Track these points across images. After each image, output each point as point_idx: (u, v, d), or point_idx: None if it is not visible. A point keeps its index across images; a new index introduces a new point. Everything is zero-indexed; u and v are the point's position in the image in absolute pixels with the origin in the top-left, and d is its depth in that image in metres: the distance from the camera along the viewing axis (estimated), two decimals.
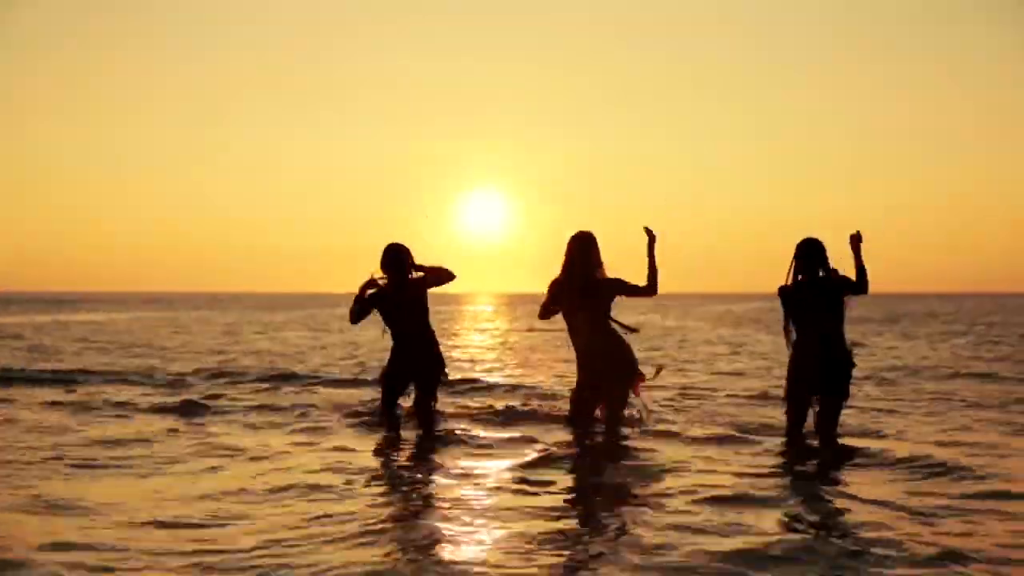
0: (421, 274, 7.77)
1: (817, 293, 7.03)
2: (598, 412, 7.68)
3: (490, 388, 11.69)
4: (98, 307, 60.87)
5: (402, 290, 7.74)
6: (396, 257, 7.72)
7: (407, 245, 7.85)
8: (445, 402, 9.19)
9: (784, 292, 7.11)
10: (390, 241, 7.88)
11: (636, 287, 7.33)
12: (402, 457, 7.04)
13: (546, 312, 7.51)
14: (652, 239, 7.27)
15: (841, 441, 7.26)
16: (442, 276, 7.77)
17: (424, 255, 7.82)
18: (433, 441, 7.53)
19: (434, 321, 8.14)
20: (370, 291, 7.81)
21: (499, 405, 9.60)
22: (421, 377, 7.86)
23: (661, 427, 8.07)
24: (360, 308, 7.79)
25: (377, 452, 7.20)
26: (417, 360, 7.82)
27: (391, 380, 7.98)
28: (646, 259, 7.34)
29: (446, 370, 8.02)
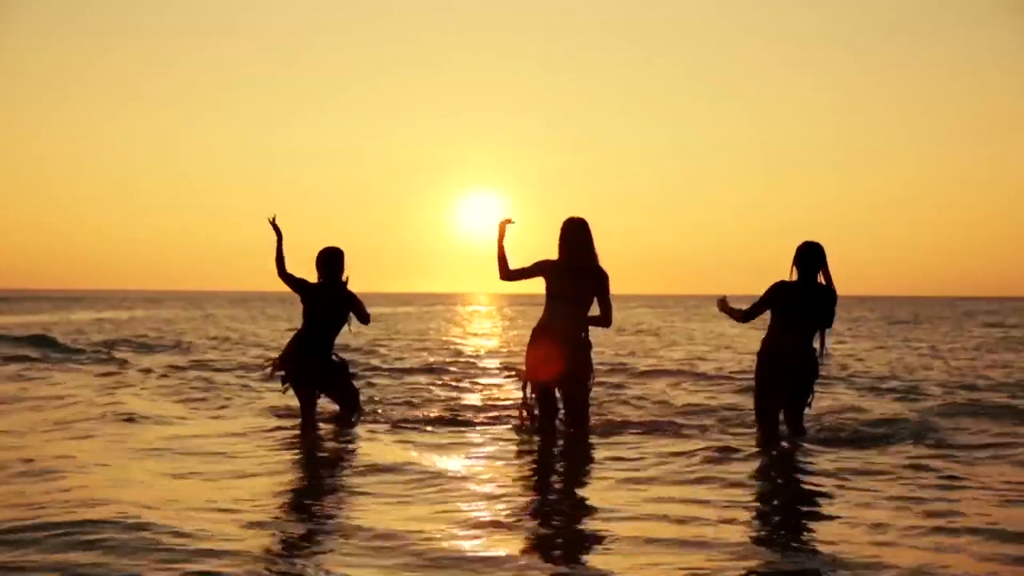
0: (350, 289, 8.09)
1: (812, 298, 7.09)
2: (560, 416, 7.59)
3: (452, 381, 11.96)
4: (121, 304, 60.66)
5: (330, 289, 8.01)
6: (330, 257, 8.02)
7: (343, 248, 8.10)
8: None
9: (780, 287, 7.14)
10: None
11: (607, 302, 7.42)
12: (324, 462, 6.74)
13: (514, 273, 7.48)
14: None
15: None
16: (363, 312, 8.07)
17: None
18: (352, 441, 7.42)
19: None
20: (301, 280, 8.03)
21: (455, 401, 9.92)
22: (329, 384, 8.09)
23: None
24: (289, 279, 7.97)
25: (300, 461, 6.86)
26: (321, 364, 8.01)
27: (299, 383, 8.00)
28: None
29: (351, 370, 8.34)
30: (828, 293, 7.09)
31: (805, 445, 7.10)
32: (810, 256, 7.08)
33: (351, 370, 8.48)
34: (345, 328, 8.12)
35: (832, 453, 6.91)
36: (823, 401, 9.38)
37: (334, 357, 8.11)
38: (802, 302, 7.08)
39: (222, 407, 9.50)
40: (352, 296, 8.05)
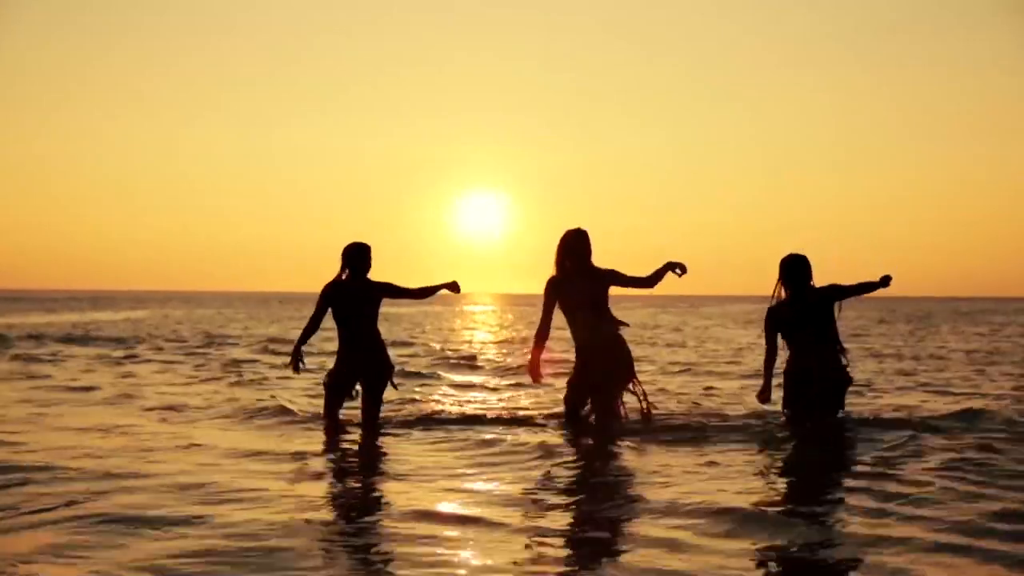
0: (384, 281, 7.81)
1: (805, 309, 7.10)
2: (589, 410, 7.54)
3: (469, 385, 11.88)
4: (136, 305, 60.20)
5: (349, 286, 7.69)
6: (358, 252, 7.71)
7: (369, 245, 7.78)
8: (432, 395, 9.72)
9: (774, 313, 7.18)
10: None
11: (635, 278, 7.36)
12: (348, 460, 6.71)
13: (545, 319, 7.37)
14: (678, 270, 7.34)
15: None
16: (397, 290, 7.85)
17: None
18: (375, 440, 7.33)
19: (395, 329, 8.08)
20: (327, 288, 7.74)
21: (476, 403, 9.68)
22: (368, 380, 7.76)
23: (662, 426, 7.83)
24: (316, 311, 7.69)
25: (320, 455, 6.86)
26: (365, 362, 7.71)
27: (337, 382, 7.81)
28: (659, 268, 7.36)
29: (394, 379, 7.89)
30: (823, 297, 7.08)
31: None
32: (794, 269, 7.11)
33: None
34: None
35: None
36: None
37: (380, 357, 7.74)
38: (792, 317, 7.11)
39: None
40: (376, 285, 7.73)
